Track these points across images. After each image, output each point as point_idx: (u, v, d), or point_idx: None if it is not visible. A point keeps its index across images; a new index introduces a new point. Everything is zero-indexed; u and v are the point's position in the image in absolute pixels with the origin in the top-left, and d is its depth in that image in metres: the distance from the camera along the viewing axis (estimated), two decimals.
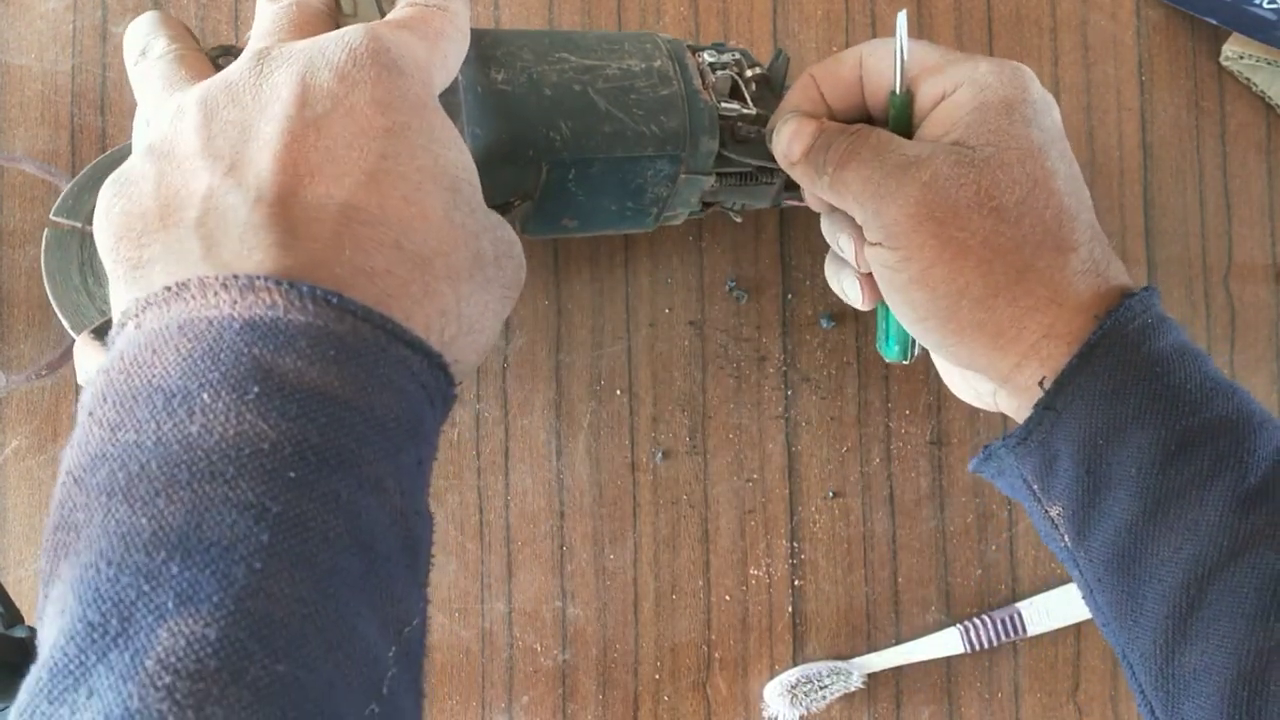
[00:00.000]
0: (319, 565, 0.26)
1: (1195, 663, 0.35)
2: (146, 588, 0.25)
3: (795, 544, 0.54)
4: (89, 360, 0.42)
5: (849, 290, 0.46)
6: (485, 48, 0.41)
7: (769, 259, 0.55)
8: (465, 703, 0.52)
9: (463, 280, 0.33)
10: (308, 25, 0.35)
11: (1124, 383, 0.37)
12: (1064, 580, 0.54)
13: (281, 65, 0.32)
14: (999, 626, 0.53)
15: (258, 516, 0.26)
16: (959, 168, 0.39)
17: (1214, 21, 0.56)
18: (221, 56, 0.37)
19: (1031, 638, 0.54)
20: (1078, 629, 0.54)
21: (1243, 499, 0.36)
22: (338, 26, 0.37)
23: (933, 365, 0.55)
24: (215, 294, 0.28)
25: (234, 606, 0.24)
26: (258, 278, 0.28)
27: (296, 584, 0.25)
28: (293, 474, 0.26)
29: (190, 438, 0.26)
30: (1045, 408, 0.38)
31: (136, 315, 0.29)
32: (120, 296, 0.31)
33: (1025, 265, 0.39)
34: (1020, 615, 0.53)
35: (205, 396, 0.27)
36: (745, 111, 0.46)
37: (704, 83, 0.45)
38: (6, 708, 0.39)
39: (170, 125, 0.32)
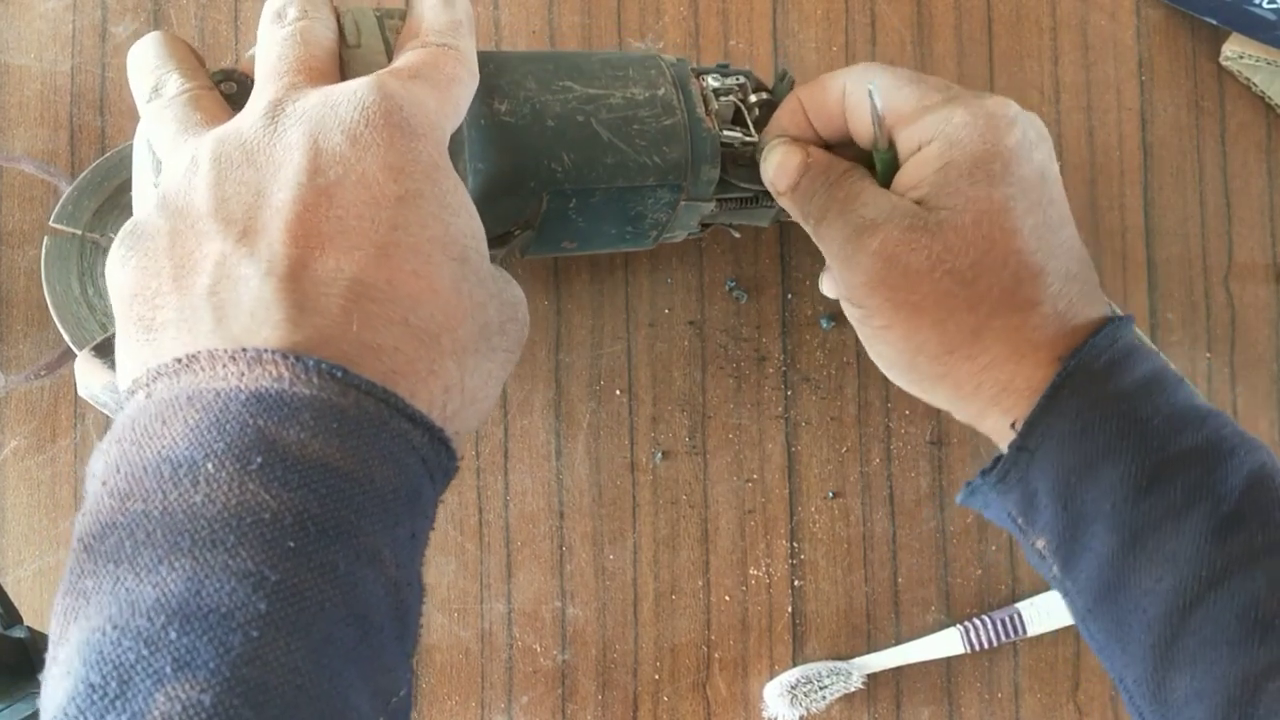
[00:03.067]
0: (314, 635, 0.26)
1: (1185, 689, 0.36)
2: (146, 652, 0.25)
3: (795, 544, 0.54)
4: (91, 378, 0.42)
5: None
6: (489, 76, 0.41)
7: (769, 259, 0.55)
8: (465, 703, 0.52)
9: (468, 354, 0.33)
10: (315, 62, 0.34)
11: (1091, 421, 0.38)
12: None
13: (294, 124, 0.32)
14: (999, 626, 0.53)
15: (256, 585, 0.26)
16: (911, 233, 0.39)
17: (1214, 21, 0.56)
18: (224, 81, 0.37)
19: (1031, 638, 0.54)
20: (1077, 629, 0.54)
21: (1217, 527, 0.36)
22: (342, 59, 0.36)
23: None
24: (224, 366, 0.29)
25: (229, 673, 0.25)
26: (265, 351, 0.29)
27: (292, 653, 0.26)
28: (292, 543, 0.27)
29: (194, 507, 0.27)
30: (1019, 449, 0.39)
31: (148, 385, 0.30)
32: (131, 356, 0.31)
33: (980, 325, 0.39)
34: (1020, 615, 0.53)
35: (210, 466, 0.27)
36: (747, 139, 0.46)
37: (707, 109, 0.45)
38: (6, 708, 0.39)
39: (183, 178, 0.32)
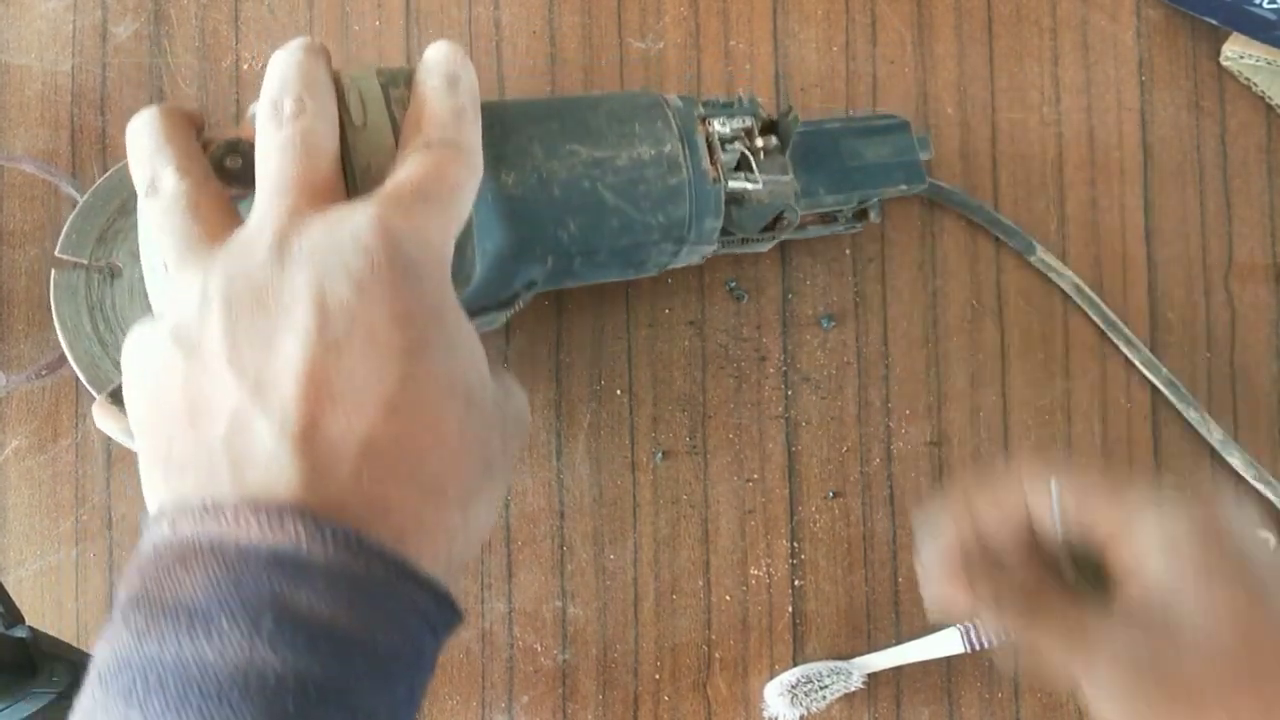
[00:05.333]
0: None
1: None
2: None
3: (795, 544, 0.54)
4: (109, 423, 0.43)
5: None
6: (495, 142, 0.40)
7: (769, 259, 0.55)
8: (465, 703, 0.52)
9: (472, 497, 0.33)
10: (317, 175, 0.34)
11: None
12: None
13: (301, 266, 0.32)
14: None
15: None
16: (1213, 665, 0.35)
17: (1214, 21, 0.56)
18: (228, 155, 0.36)
19: None
20: None
21: None
22: (347, 141, 0.35)
23: (933, 365, 0.55)
24: (245, 520, 0.30)
25: None
26: (286, 512, 0.29)
27: None
28: (291, 707, 0.28)
29: (205, 661, 0.28)
30: None
31: (172, 517, 0.31)
32: (153, 478, 0.32)
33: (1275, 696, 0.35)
34: None
35: (224, 622, 0.28)
36: (752, 186, 0.46)
37: (712, 159, 0.45)
38: (7, 708, 0.39)
39: (196, 315, 0.32)
